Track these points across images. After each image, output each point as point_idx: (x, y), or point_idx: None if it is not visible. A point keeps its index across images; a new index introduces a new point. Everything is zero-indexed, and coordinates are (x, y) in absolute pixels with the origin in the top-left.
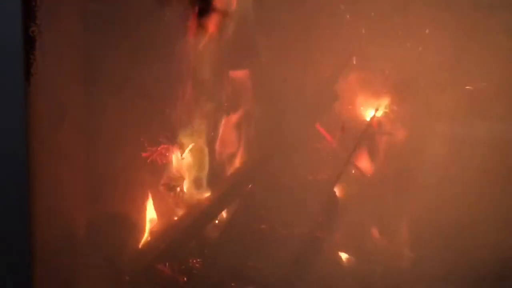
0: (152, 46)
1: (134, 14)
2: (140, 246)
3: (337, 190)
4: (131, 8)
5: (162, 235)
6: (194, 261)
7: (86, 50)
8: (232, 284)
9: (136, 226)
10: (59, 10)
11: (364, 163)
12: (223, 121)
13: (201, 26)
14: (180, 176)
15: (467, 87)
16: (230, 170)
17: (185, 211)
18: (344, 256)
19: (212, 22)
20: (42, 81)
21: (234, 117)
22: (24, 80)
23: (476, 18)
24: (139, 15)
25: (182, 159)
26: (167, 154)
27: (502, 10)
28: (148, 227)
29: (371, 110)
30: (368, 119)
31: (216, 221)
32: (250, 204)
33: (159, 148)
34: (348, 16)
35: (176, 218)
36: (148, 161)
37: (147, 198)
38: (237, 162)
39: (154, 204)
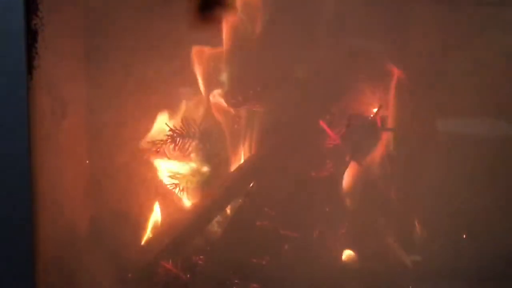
0: (155, 41)
1: (137, 8)
2: (143, 243)
3: (341, 187)
4: (134, 2)
5: (165, 232)
6: (198, 258)
7: (88, 44)
8: (236, 281)
9: (139, 223)
10: (62, 3)
11: (369, 160)
12: (226, 118)
13: (205, 21)
14: (183, 173)
15: (473, 85)
16: (233, 167)
17: (188, 208)
18: (348, 253)
19: (216, 16)
20: (44, 75)
21: (238, 114)
22: (26, 73)
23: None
24: (142, 9)
25: (186, 156)
26: (171, 151)
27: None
28: (151, 224)
29: (375, 107)
30: (372, 116)
31: (219, 218)
32: (254, 200)
33: (163, 147)
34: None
35: (179, 215)
36: (152, 160)
37: (150, 194)
38: (240, 159)
39: (157, 200)
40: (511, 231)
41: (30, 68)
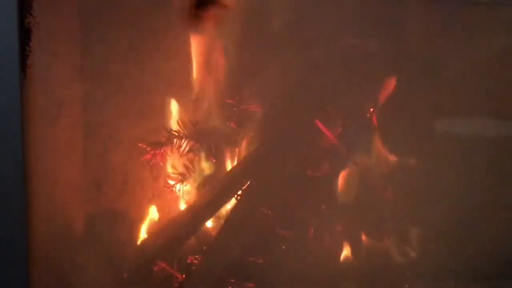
0: (151, 40)
1: (133, 7)
2: (139, 242)
3: (337, 187)
4: (130, 1)
5: (161, 231)
6: (193, 257)
7: (83, 43)
8: (232, 280)
9: (134, 222)
10: (56, 2)
11: (364, 160)
12: (222, 118)
13: (201, 19)
14: (180, 173)
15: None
16: (229, 166)
17: (184, 208)
18: (344, 253)
19: (212, 15)
20: (38, 74)
21: (234, 113)
22: (20, 72)
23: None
24: (138, 8)
25: (182, 156)
26: (168, 154)
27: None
28: (147, 223)
29: (372, 106)
30: (368, 115)
31: (215, 217)
32: (250, 199)
33: (161, 150)
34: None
35: (175, 215)
36: (150, 163)
37: (146, 194)
38: (236, 158)
39: (153, 200)
40: (507, 231)
41: (23, 66)
